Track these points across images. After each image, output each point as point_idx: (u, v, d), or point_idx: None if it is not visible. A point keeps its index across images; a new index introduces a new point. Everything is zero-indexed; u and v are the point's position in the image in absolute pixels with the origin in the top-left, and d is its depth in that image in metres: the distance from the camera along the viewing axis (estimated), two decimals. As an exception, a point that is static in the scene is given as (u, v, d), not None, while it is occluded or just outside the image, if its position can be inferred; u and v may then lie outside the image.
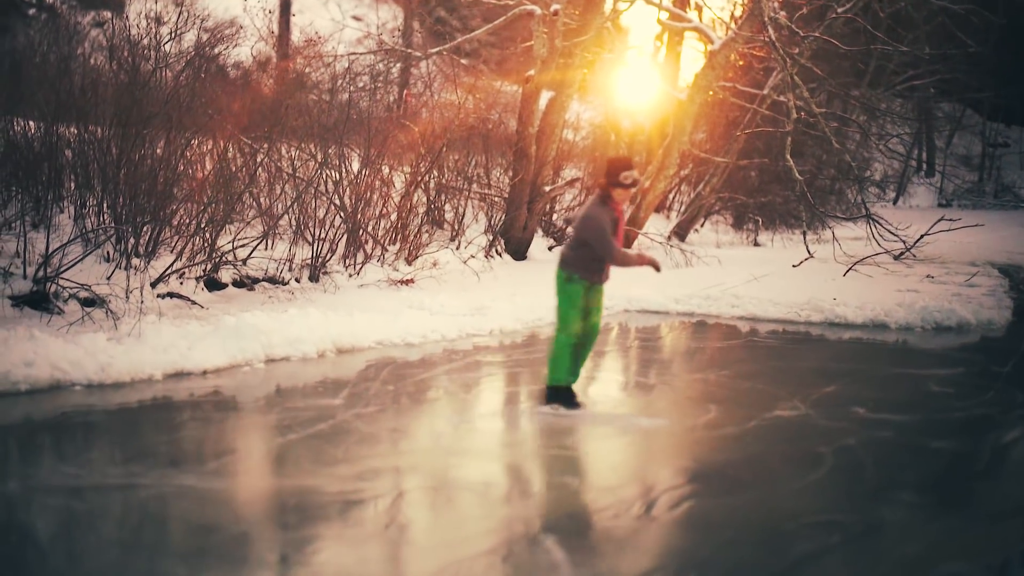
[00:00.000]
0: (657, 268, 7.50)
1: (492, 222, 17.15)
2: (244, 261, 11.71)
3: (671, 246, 19.18)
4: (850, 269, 15.61)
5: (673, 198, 25.20)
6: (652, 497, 5.59)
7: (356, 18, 20.21)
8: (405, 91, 19.25)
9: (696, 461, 6.33)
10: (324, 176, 13.10)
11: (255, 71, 15.00)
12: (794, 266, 13.70)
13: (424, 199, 15.58)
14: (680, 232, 21.89)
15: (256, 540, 4.82)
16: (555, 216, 19.05)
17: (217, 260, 11.28)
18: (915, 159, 41.95)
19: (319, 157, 13.19)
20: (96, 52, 11.80)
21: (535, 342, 10.62)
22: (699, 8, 22.64)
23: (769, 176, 23.34)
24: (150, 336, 8.58)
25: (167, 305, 10.20)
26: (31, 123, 10.94)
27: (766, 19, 11.75)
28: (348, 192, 13.25)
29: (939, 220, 16.34)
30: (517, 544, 4.84)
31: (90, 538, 4.80)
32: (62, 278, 9.50)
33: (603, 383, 9.06)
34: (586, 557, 4.75)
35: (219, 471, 5.79)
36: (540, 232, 18.27)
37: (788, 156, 12.72)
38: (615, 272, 7.56)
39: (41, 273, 9.41)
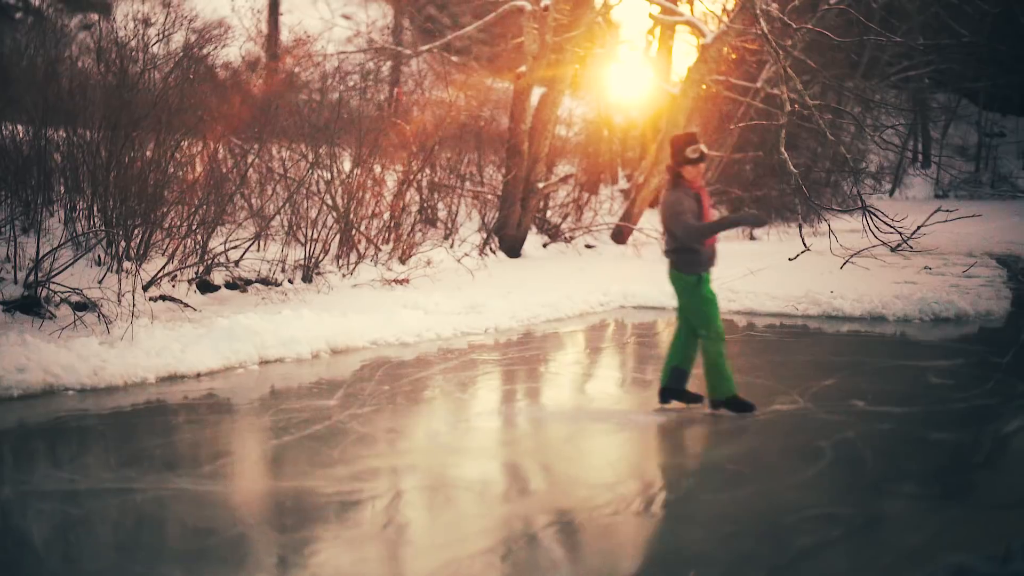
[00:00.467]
0: (760, 222, 7.43)
1: (485, 220, 17.11)
2: (236, 263, 11.68)
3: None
4: (847, 262, 15.59)
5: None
6: (651, 493, 5.57)
7: (345, 16, 20.16)
8: (396, 89, 19.20)
9: (694, 456, 6.31)
10: (316, 176, 13.06)
11: (244, 71, 14.95)
12: (790, 259, 13.67)
13: (417, 198, 15.54)
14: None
15: (253, 542, 4.79)
16: (549, 213, 19.01)
17: (209, 262, 11.25)
18: (911, 150, 41.95)
19: (310, 157, 13.15)
20: (84, 55, 11.75)
21: (531, 340, 10.59)
22: (691, 2, 22.60)
23: (764, 169, 23.32)
24: (143, 339, 8.58)
25: (159, 308, 10.17)
26: (19, 127, 10.89)
27: (758, 12, 11.72)
28: (340, 192, 13.22)
29: (936, 211, 16.32)
30: (516, 543, 4.81)
31: (86, 543, 4.78)
32: (53, 282, 9.46)
33: (600, 379, 9.04)
34: (585, 554, 4.72)
35: (215, 474, 5.76)
36: (534, 229, 18.23)
37: (783, 149, 12.69)
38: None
39: (32, 278, 9.37)
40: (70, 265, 9.73)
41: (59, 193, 10.90)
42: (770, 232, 23.73)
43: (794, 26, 13.04)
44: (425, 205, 15.93)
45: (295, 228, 12.71)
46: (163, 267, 10.59)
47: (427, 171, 15.84)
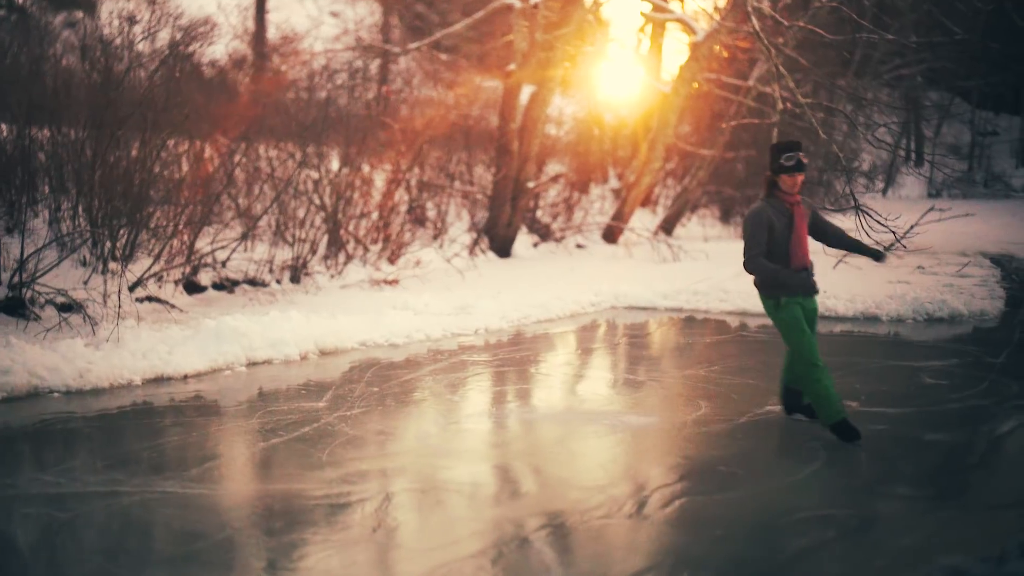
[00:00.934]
0: (878, 257, 6.78)
1: (475, 219, 17.06)
2: (223, 263, 11.63)
3: (658, 241, 19.12)
4: (840, 261, 15.58)
5: (659, 192, 25.15)
6: (643, 495, 5.54)
7: (333, 14, 20.08)
8: (384, 87, 19.14)
9: (687, 458, 6.26)
10: (303, 175, 13.00)
11: (231, 70, 14.89)
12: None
13: (406, 197, 15.48)
14: (666, 226, 21.85)
15: (241, 546, 4.75)
16: (539, 212, 18.97)
17: (196, 263, 11.19)
18: (903, 149, 42.04)
19: (298, 156, 13.09)
20: (68, 53, 11.67)
21: (521, 341, 10.54)
22: None
23: (756, 168, 23.30)
24: (129, 341, 8.54)
25: (146, 309, 10.13)
26: (3, 126, 10.80)
27: (749, 9, 11.68)
28: (328, 191, 13.16)
29: (929, 210, 16.28)
30: (507, 545, 4.78)
31: (72, 547, 4.73)
32: (38, 283, 9.40)
33: (592, 381, 9.01)
34: (577, 557, 4.69)
35: (202, 477, 5.73)
36: (524, 229, 18.19)
37: (774, 147, 12.67)
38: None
39: (16, 279, 9.30)
40: (55, 266, 9.67)
41: (44, 193, 10.82)
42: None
43: (786, 24, 13.00)
44: (414, 205, 15.87)
45: (283, 228, 12.65)
46: (149, 268, 10.52)
47: (416, 170, 15.77)
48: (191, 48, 12.42)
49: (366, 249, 13.84)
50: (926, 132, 43.33)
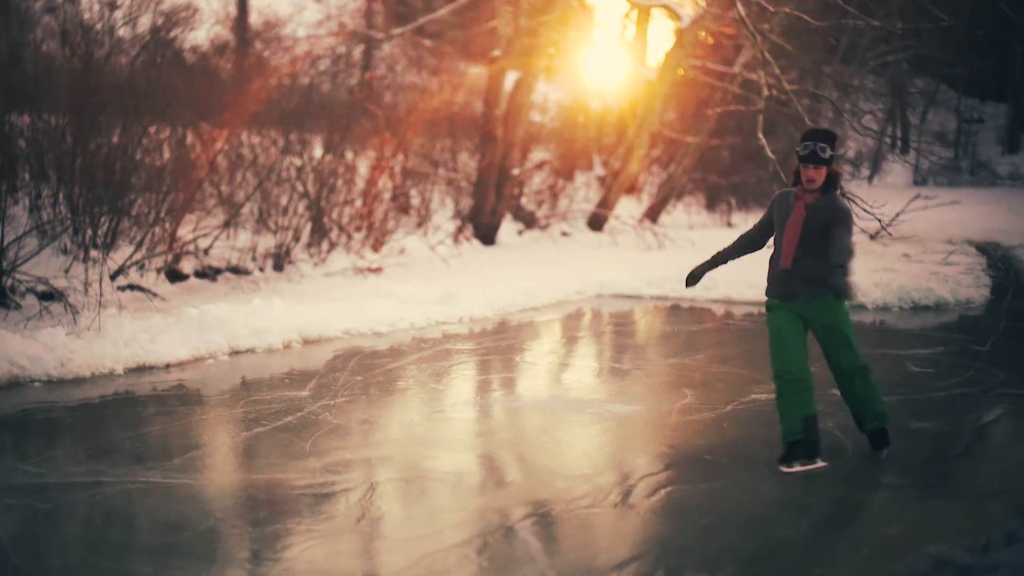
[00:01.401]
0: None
1: (459, 207, 17.01)
2: (206, 251, 11.57)
3: (643, 228, 19.10)
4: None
5: (644, 180, 25.12)
6: (628, 484, 5.53)
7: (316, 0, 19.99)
8: (368, 73, 19.05)
9: (672, 447, 6.25)
10: (286, 162, 12.93)
11: (213, 55, 14.79)
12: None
13: (389, 184, 15.41)
14: (652, 214, 21.84)
15: (225, 536, 4.74)
16: (524, 200, 18.92)
17: (178, 251, 11.12)
18: (889, 136, 42.10)
19: (280, 143, 13.01)
20: (48, 38, 11.56)
21: (506, 329, 10.52)
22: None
23: (741, 156, 23.32)
24: (111, 330, 8.50)
25: (127, 298, 10.06)
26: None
27: (734, -5, 11.67)
28: (311, 178, 13.09)
29: (915, 198, 16.34)
30: (492, 535, 4.77)
31: (54, 537, 4.71)
32: (18, 272, 9.32)
33: (577, 369, 9.00)
34: (562, 547, 4.68)
35: (185, 466, 5.70)
36: (509, 216, 18.14)
37: (760, 135, 12.62)
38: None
39: (-4, 267, 9.22)
40: (36, 254, 9.60)
41: (24, 180, 10.73)
42: (748, 219, 23.77)
43: (771, 10, 12.97)
44: (398, 192, 15.81)
45: (266, 216, 12.58)
46: (131, 256, 10.46)
47: (400, 157, 15.70)
48: (172, 34, 12.32)
49: (350, 237, 13.78)
50: (912, 119, 43.41)
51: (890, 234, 14.38)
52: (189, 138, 11.50)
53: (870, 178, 38.56)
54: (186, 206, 11.26)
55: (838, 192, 6.01)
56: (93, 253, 10.21)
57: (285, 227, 12.61)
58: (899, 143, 43.56)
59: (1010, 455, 6.49)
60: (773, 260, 6.10)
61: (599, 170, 23.84)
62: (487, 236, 16.96)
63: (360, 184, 14.40)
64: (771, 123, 16.74)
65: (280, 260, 12.41)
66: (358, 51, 19.91)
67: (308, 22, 18.53)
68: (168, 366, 8.22)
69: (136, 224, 10.78)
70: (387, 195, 15.11)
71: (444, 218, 16.89)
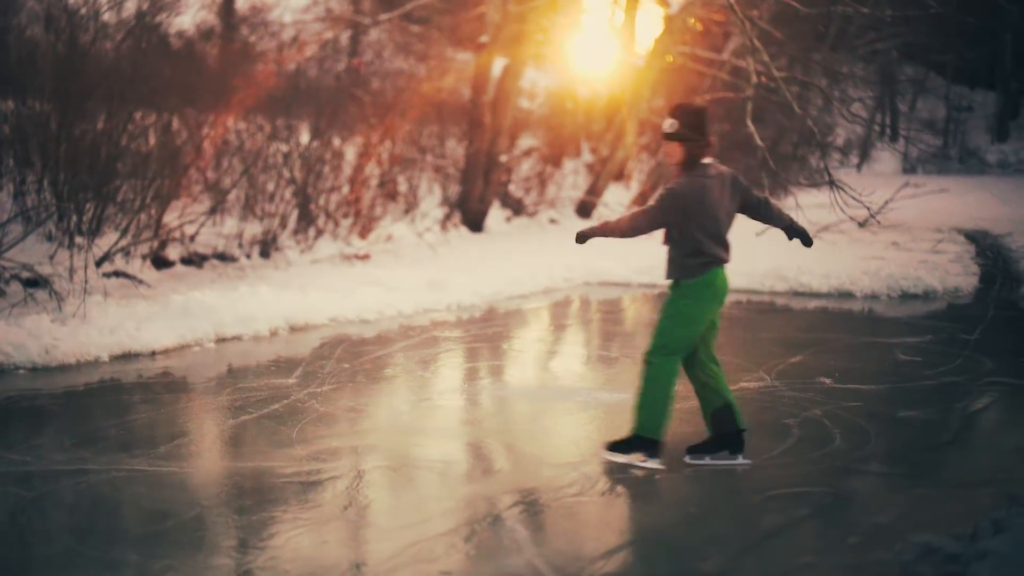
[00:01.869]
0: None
1: (447, 194, 16.95)
2: (192, 238, 11.52)
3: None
4: (814, 237, 15.58)
5: (633, 167, 25.07)
6: (616, 473, 5.52)
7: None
8: (355, 59, 18.97)
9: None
10: (273, 149, 12.85)
11: (199, 40, 14.71)
12: (757, 235, 13.61)
13: (377, 171, 15.34)
14: (641, 201, 21.79)
15: (211, 524, 4.73)
16: (512, 187, 18.87)
17: (164, 237, 11.07)
18: (878, 124, 42.09)
19: (267, 129, 12.94)
20: (33, 23, 11.47)
21: (494, 317, 10.49)
22: (655, -28, 22.45)
23: (730, 143, 23.26)
24: (96, 317, 8.46)
25: (113, 284, 10.01)
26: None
27: (723, -18, 11.64)
28: (298, 165, 13.03)
29: (904, 186, 16.38)
30: (479, 523, 4.76)
31: (39, 526, 4.70)
32: (3, 258, 9.26)
33: (565, 357, 8.99)
34: (550, 535, 4.67)
35: (171, 454, 5.68)
36: (497, 203, 18.09)
37: (749, 122, 12.61)
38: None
39: (-20, 254, 9.15)
40: (20, 240, 9.53)
41: (8, 166, 10.65)
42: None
43: (760, -4, 12.98)
44: (385, 179, 15.74)
45: (252, 202, 12.51)
46: (116, 242, 10.39)
47: (387, 143, 15.63)
48: (158, 19, 12.23)
49: (337, 224, 13.72)
50: (901, 107, 43.41)
51: (879, 222, 14.44)
52: (175, 124, 11.42)
53: (859, 166, 38.57)
54: (172, 192, 11.19)
55: (695, 171, 5.57)
56: (78, 239, 10.14)
57: (272, 214, 12.55)
58: (888, 131, 43.56)
59: (998, 444, 6.51)
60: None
61: (587, 157, 23.77)
62: (475, 223, 16.92)
63: (347, 170, 14.34)
64: (760, 110, 16.70)
65: (267, 247, 12.36)
66: (345, 37, 19.83)
67: (295, 7, 18.44)
68: (154, 353, 8.18)
69: (122, 210, 10.71)
70: (374, 182, 15.05)
71: (432, 205, 16.83)
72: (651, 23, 21.40)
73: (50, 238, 10.20)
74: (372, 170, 14.91)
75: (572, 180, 21.13)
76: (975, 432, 6.58)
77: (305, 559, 4.31)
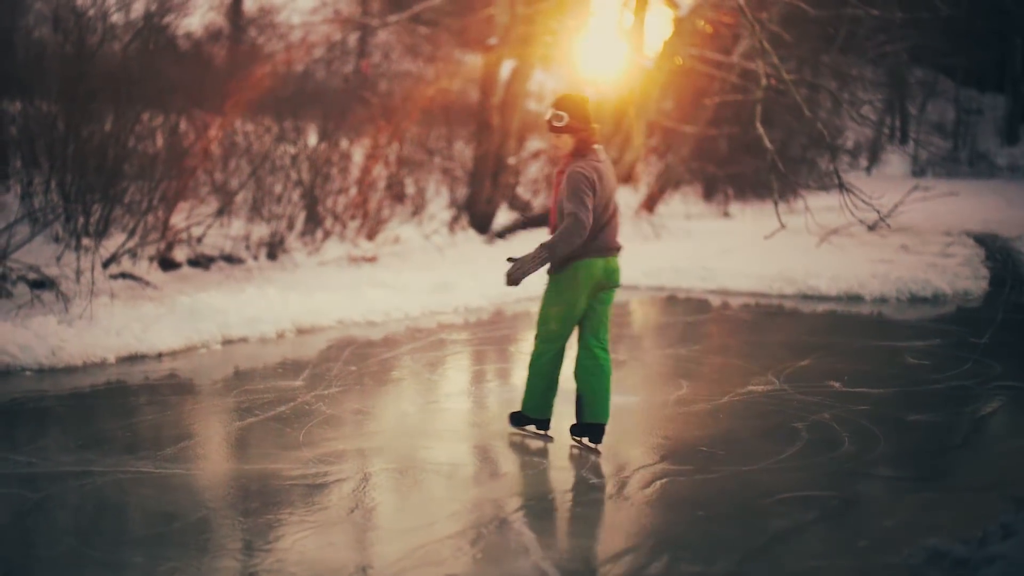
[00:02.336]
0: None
1: (455, 196, 16.94)
2: (199, 240, 11.51)
3: (639, 218, 19.04)
4: (823, 240, 15.55)
5: (641, 169, 25.06)
6: (623, 476, 5.51)
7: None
8: (362, 61, 18.97)
9: (668, 438, 6.23)
10: (280, 150, 12.85)
11: (207, 42, 14.72)
12: (766, 238, 13.61)
13: (384, 173, 15.34)
14: (648, 204, 21.77)
15: (217, 526, 4.71)
16: (520, 189, 18.85)
17: (171, 239, 11.06)
18: (888, 127, 41.99)
19: (275, 131, 12.94)
20: (40, 24, 11.48)
21: (501, 319, 10.48)
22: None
23: (739, 145, 23.23)
24: (102, 318, 8.45)
25: (120, 286, 10.00)
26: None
27: (733, -17, 11.61)
28: (306, 167, 13.02)
29: (913, 189, 16.31)
30: (486, 526, 4.73)
31: (44, 527, 4.67)
32: (10, 260, 9.25)
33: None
34: (556, 539, 4.67)
35: (177, 456, 5.66)
36: (505, 205, 18.07)
37: (758, 124, 12.58)
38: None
39: (-13, 255, 9.15)
40: (27, 242, 9.53)
41: (15, 167, 10.66)
42: (745, 209, 23.73)
43: (770, -2, 12.94)
44: (393, 181, 15.73)
45: (259, 204, 12.51)
46: (123, 244, 10.39)
47: (395, 145, 15.63)
48: (166, 20, 12.23)
49: (344, 226, 13.72)
50: (911, 110, 43.29)
51: (888, 225, 14.41)
52: (182, 125, 11.42)
53: (868, 169, 38.48)
54: (179, 194, 11.19)
55: (588, 157, 5.74)
56: (85, 241, 10.14)
57: (279, 215, 12.55)
58: (898, 134, 43.46)
59: (1007, 447, 6.47)
60: None
61: (595, 159, 23.75)
62: (483, 225, 16.90)
63: (355, 172, 14.33)
64: (769, 113, 16.67)
65: (274, 249, 12.35)
66: (353, 39, 19.83)
67: (303, 9, 18.42)
68: (160, 355, 8.17)
69: (129, 212, 10.71)
70: (382, 184, 15.04)
71: (439, 207, 16.82)
72: (660, 25, 21.38)
73: (57, 239, 10.20)
74: (380, 172, 14.91)
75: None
76: (984, 436, 6.56)
77: (311, 561, 4.29)
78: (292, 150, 13.02)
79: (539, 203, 19.05)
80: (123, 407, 6.78)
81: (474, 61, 18.79)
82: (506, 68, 17.27)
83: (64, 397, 6.96)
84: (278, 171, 12.85)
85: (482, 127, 16.78)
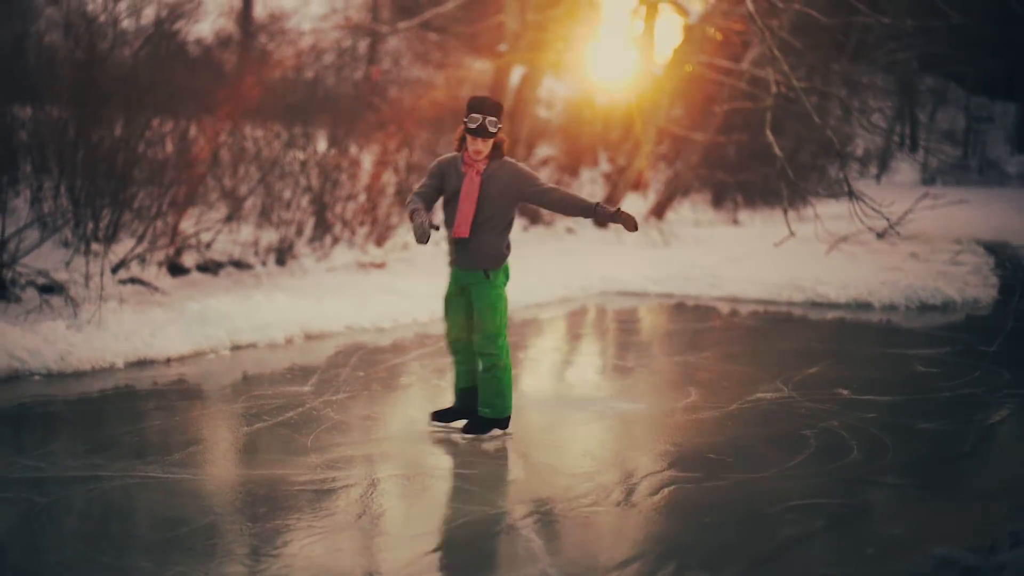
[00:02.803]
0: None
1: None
2: (208, 245, 11.52)
3: (648, 225, 19.04)
4: (832, 248, 15.52)
5: (650, 176, 25.06)
6: (632, 483, 5.48)
7: (321, -8, 19.97)
8: (372, 68, 19.00)
9: (676, 445, 6.20)
10: (290, 156, 12.87)
11: (217, 48, 14.75)
12: (775, 245, 13.60)
13: (394, 179, 15.35)
14: (657, 211, 21.77)
15: (224, 532, 4.69)
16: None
17: (180, 244, 11.07)
18: (898, 135, 41.95)
19: (284, 137, 12.96)
20: (51, 30, 11.51)
21: (510, 325, 10.43)
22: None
23: (748, 153, 23.21)
24: (111, 323, 8.45)
25: (128, 291, 10.02)
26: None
27: (744, -10, 11.60)
28: (315, 173, 13.04)
29: (922, 197, 16.27)
30: (493, 533, 4.72)
31: (52, 532, 4.66)
32: (19, 264, 9.28)
33: (580, 367, 8.95)
34: (564, 546, 4.63)
35: (185, 461, 5.65)
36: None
37: (768, 132, 12.58)
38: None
39: (-3, 260, 9.17)
40: (37, 247, 9.56)
41: (25, 172, 10.68)
42: (754, 216, 23.71)
43: (781, 6, 12.90)
44: (402, 187, 15.74)
45: (269, 210, 12.53)
46: (133, 249, 10.41)
47: (404, 152, 15.64)
48: (177, 26, 12.26)
49: (353, 232, 13.73)
50: (921, 117, 43.25)
51: (898, 233, 14.38)
52: (192, 131, 11.44)
53: (878, 176, 38.44)
54: (188, 199, 11.21)
55: (502, 159, 6.06)
56: (94, 246, 10.16)
57: (288, 221, 12.57)
58: (908, 141, 43.41)
59: (1016, 456, 6.45)
60: (449, 228, 6.13)
61: (605, 166, 23.79)
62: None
63: (364, 179, 14.34)
64: (779, 120, 16.66)
65: (283, 254, 12.36)
66: (363, 45, 19.87)
67: (313, 15, 18.47)
68: (169, 360, 8.17)
69: (138, 217, 10.73)
70: (391, 190, 15.06)
71: (449, 214, 16.84)
72: (670, 32, 21.39)
73: (66, 244, 10.22)
74: (389, 178, 14.92)
75: (589, 189, 21.13)
76: (993, 444, 6.53)
77: (319, 567, 4.28)
78: (301, 156, 13.04)
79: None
80: (131, 412, 6.77)
81: (484, 68, 18.82)
82: (516, 75, 17.30)
83: (72, 402, 6.96)
84: (287, 177, 12.87)
85: (491, 134, 16.79)
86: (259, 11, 19.58)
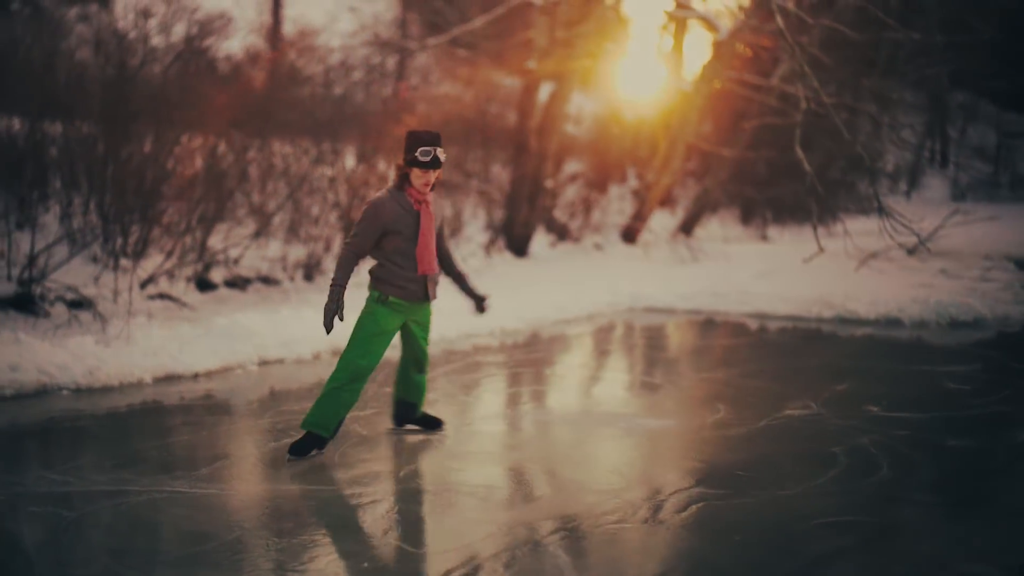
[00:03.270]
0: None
1: (492, 218, 16.96)
2: (236, 261, 11.57)
3: (677, 242, 18.98)
4: (862, 264, 15.42)
5: (678, 193, 25.00)
6: (659, 500, 5.44)
7: (351, 9, 20.02)
8: (401, 83, 19.06)
9: (704, 462, 6.16)
10: (318, 172, 12.92)
11: (246, 64, 14.84)
12: (804, 261, 13.52)
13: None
14: (686, 227, 21.71)
15: (251, 547, 4.70)
16: (557, 212, 18.86)
17: (208, 260, 11.13)
18: (928, 150, 41.69)
19: (312, 153, 13.02)
20: (82, 47, 11.60)
21: (537, 341, 10.45)
22: (704, -3, 22.39)
23: (778, 169, 23.11)
24: (139, 338, 8.50)
25: (157, 307, 10.08)
26: (15, 120, 10.72)
27: (774, 7, 11.55)
28: (343, 189, 13.08)
29: (953, 213, 16.16)
30: (520, 549, 4.70)
31: (79, 546, 4.68)
32: (48, 280, 9.35)
33: (608, 383, 8.91)
34: (591, 562, 4.61)
35: (212, 476, 5.67)
36: (542, 228, 18.08)
37: (797, 148, 12.52)
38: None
39: (26, 274, 9.26)
40: (66, 262, 9.63)
41: (55, 188, 10.77)
42: (783, 232, 23.58)
43: (811, 22, 12.85)
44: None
45: (297, 226, 12.57)
46: (161, 264, 10.48)
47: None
48: (206, 43, 12.35)
49: (381, 248, 13.75)
50: (951, 133, 42.98)
51: (928, 249, 14.28)
52: (221, 147, 11.51)
53: (908, 193, 38.14)
54: (217, 215, 11.27)
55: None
56: (123, 262, 10.24)
57: (316, 237, 12.61)
58: (938, 157, 43.13)
59: (1050, 475, 6.36)
60: (403, 266, 6.21)
61: (633, 182, 23.74)
62: (519, 248, 16.91)
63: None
64: (808, 136, 16.57)
65: (310, 270, 12.40)
66: (392, 61, 19.93)
67: (342, 32, 18.54)
68: (196, 376, 8.22)
69: (167, 233, 10.80)
70: (419, 206, 15.09)
71: (476, 229, 16.85)
72: (699, 48, 21.36)
73: (95, 260, 10.30)
74: (417, 194, 14.95)
75: (617, 206, 21.10)
76: (1025, 463, 6.45)
77: (343, 583, 4.27)
78: (330, 172, 13.09)
79: (576, 225, 19.04)
80: (159, 427, 6.79)
81: (512, 84, 18.83)
82: (544, 91, 17.31)
83: (100, 417, 6.99)
84: (316, 193, 12.92)
85: (519, 150, 16.81)
86: (288, 28, 19.68)
